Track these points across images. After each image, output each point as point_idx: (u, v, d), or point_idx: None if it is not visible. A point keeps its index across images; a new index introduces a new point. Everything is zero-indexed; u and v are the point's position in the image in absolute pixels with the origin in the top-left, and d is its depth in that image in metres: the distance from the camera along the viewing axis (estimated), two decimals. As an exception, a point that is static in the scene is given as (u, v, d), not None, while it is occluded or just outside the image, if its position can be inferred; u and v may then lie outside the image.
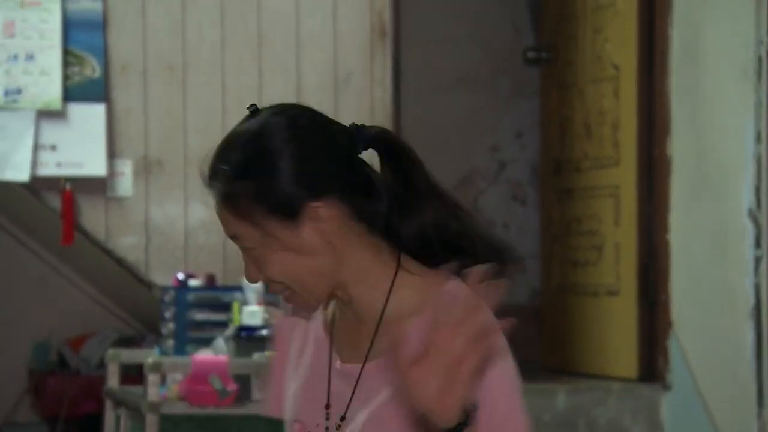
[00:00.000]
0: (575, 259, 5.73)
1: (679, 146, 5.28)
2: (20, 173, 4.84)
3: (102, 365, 4.96)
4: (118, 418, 4.54)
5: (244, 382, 4.19)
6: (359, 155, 1.61)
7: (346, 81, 5.24)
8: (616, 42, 5.65)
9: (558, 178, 5.76)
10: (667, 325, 5.30)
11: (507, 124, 5.41)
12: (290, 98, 5.02)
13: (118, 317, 5.93)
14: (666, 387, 5.32)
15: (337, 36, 5.23)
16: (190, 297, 4.61)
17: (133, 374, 4.55)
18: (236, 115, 4.61)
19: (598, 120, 5.66)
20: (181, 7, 5.11)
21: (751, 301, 4.80)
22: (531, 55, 6.13)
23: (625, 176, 5.49)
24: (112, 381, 4.63)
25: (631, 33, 5.56)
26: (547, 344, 5.83)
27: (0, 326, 5.84)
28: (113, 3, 5.03)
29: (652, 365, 5.38)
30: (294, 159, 1.54)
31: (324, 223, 1.54)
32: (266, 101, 4.75)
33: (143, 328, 5.67)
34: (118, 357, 4.69)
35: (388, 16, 5.25)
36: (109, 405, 4.65)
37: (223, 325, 4.49)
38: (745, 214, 4.85)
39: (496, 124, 5.32)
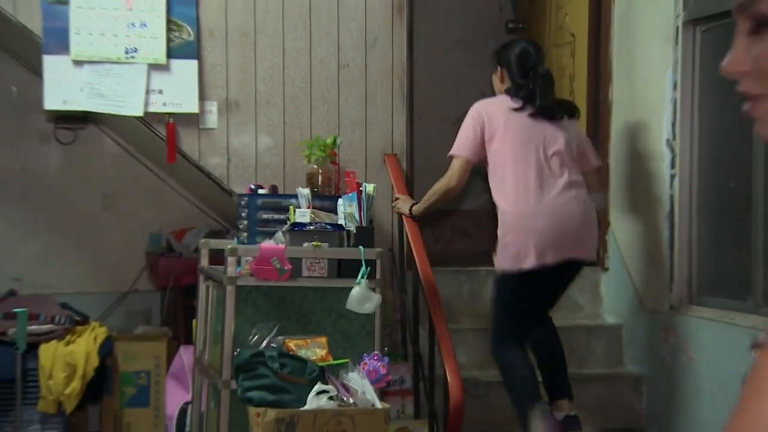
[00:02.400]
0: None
1: (617, 93, 5.27)
2: (136, 110, 4.85)
3: (197, 250, 4.99)
4: (207, 288, 4.60)
5: (296, 263, 4.15)
6: None
7: (373, 44, 5.18)
8: (573, 16, 5.60)
9: (530, 116, 5.76)
10: (606, 224, 5.33)
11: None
12: (332, 57, 5.17)
13: (209, 216, 5.96)
14: (604, 269, 5.40)
15: (367, 10, 5.15)
16: (259, 202, 4.61)
17: (219, 257, 4.52)
18: (293, 69, 4.83)
19: (559, 74, 5.65)
20: None
21: (667, 207, 4.83)
22: (511, 25, 6.18)
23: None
24: (204, 261, 4.70)
25: (584, 9, 5.48)
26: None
27: (125, 222, 5.90)
28: None
29: (596, 254, 5.34)
30: None
31: None
32: (314, 58, 4.84)
33: (227, 224, 5.73)
34: (207, 244, 4.77)
35: None
36: (201, 279, 4.71)
37: (283, 222, 4.46)
38: (664, 143, 4.86)
39: (485, 76, 5.28)
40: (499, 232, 4.40)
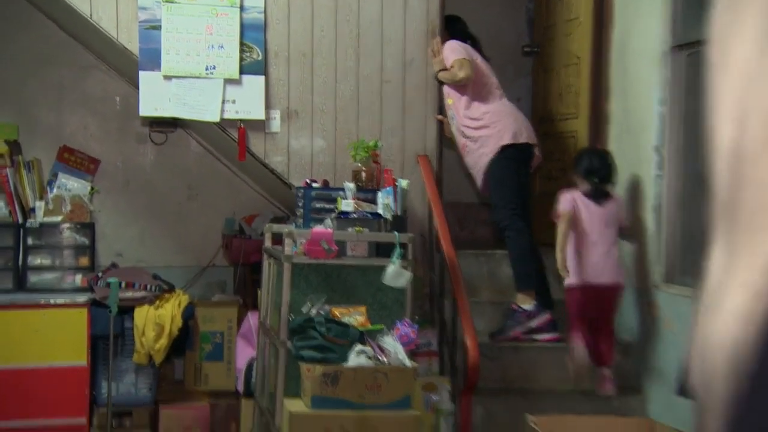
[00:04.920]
0: (549, 175, 5.73)
1: (614, 107, 5.18)
2: (214, 117, 4.85)
3: (263, 233, 4.96)
4: (270, 264, 4.58)
5: (342, 245, 4.15)
6: None
7: (410, 63, 5.14)
8: (579, 42, 5.51)
9: (542, 125, 5.72)
10: None
11: (512, 92, 5.33)
12: (376, 74, 5.14)
13: (273, 204, 5.97)
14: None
15: (406, 35, 5.14)
16: (313, 193, 4.57)
17: (280, 239, 4.50)
18: (343, 84, 4.84)
19: (566, 90, 5.63)
20: (311, 17, 5.03)
21: (655, 202, 4.74)
22: (527, 50, 6.11)
23: (581, 125, 5.47)
24: (267, 242, 4.67)
25: (587, 36, 5.42)
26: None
27: (205, 209, 5.94)
28: (270, 14, 4.96)
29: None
30: None
31: None
32: (361, 75, 4.83)
33: (287, 211, 5.73)
34: (271, 228, 4.74)
35: (437, 23, 5.15)
36: (265, 257, 4.68)
37: (331, 210, 4.46)
38: (652, 149, 4.78)
39: (506, 93, 5.24)
40: (490, 122, 4.90)
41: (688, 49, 4.57)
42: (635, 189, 4.94)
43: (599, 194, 4.60)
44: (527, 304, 4.82)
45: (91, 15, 4.70)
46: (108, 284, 4.76)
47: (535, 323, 4.82)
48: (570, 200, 4.60)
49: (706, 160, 0.75)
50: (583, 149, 5.04)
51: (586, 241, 4.57)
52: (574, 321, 4.58)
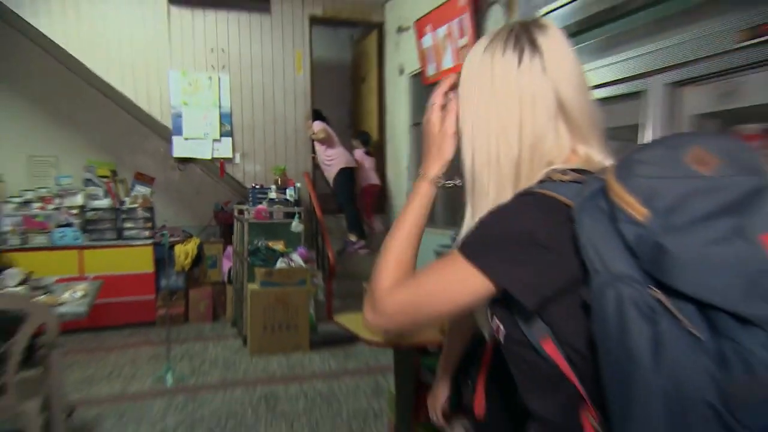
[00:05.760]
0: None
1: (389, 151, 5.06)
2: (208, 156, 4.80)
3: (233, 209, 4.86)
4: (237, 224, 4.46)
5: (271, 213, 4.13)
6: None
7: (299, 131, 5.09)
8: (372, 122, 5.30)
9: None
10: (385, 202, 5.16)
11: (345, 143, 5.03)
12: (284, 136, 4.98)
13: (237, 197, 5.47)
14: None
15: (296, 118, 5.06)
16: (256, 190, 4.56)
17: (241, 212, 4.41)
18: (270, 139, 4.83)
19: (369, 143, 5.19)
20: (252, 111, 4.94)
21: (406, 191, 4.66)
22: (349, 126, 5.94)
23: (377, 158, 5.19)
24: (235, 213, 4.58)
25: (375, 119, 5.27)
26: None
27: (206, 199, 5.49)
28: (233, 110, 4.87)
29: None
30: None
31: None
32: (276, 137, 4.85)
33: (244, 199, 5.12)
34: (237, 207, 4.61)
35: (310, 112, 5.04)
36: (235, 220, 4.58)
37: (265, 198, 4.43)
38: (405, 168, 4.76)
39: (342, 144, 4.93)
40: (335, 158, 4.68)
41: (419, 126, 4.58)
42: (397, 184, 4.97)
43: (368, 152, 4.98)
44: (353, 237, 4.86)
45: (149, 109, 4.70)
46: (162, 235, 4.70)
47: (356, 246, 4.85)
48: (360, 155, 4.96)
49: (460, 170, 0.66)
50: (359, 130, 5.16)
51: (364, 170, 4.90)
52: (365, 203, 4.94)
